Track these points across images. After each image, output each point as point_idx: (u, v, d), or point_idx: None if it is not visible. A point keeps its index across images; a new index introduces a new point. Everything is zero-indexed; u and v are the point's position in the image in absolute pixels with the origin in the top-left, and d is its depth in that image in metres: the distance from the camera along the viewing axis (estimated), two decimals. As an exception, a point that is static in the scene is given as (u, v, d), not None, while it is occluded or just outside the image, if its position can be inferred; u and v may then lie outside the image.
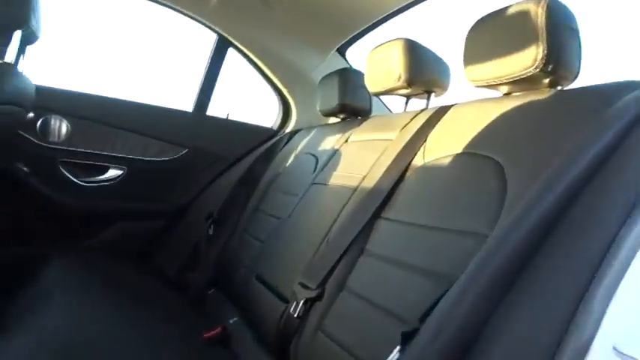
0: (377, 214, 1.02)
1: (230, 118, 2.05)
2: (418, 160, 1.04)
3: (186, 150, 1.92)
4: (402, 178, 1.04)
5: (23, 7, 1.10)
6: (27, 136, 1.62)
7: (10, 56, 1.16)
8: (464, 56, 1.02)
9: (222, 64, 1.95)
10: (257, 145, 2.04)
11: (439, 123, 1.09)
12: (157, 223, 1.91)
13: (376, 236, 0.99)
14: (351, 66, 2.06)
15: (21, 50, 1.35)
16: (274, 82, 2.04)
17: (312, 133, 1.74)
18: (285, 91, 2.06)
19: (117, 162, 1.80)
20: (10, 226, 1.68)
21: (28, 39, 1.24)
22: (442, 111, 1.12)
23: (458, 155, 0.94)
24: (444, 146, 1.00)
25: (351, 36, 1.95)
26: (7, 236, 1.67)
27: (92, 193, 1.77)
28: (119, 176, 1.81)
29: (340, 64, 2.00)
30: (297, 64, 2.01)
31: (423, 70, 1.28)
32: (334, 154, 1.43)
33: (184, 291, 1.62)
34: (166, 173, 1.90)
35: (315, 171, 1.46)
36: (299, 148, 1.73)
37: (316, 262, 1.07)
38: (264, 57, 1.97)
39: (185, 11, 1.79)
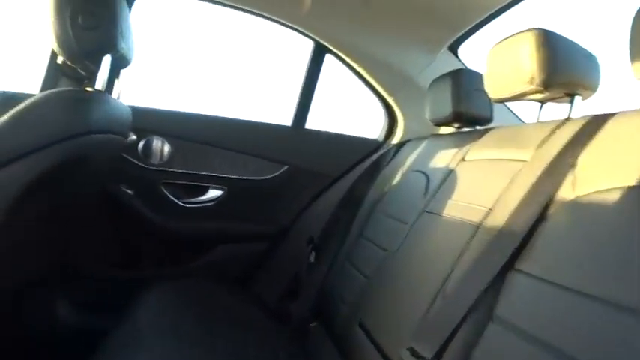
0: (509, 264, 0.77)
1: (331, 130, 1.90)
2: (566, 193, 0.77)
3: (286, 167, 1.81)
4: (542, 216, 0.78)
5: (110, 31, 1.04)
6: (130, 158, 1.62)
7: (100, 82, 1.11)
8: (630, 46, 0.74)
9: (319, 72, 1.80)
10: (361, 160, 1.87)
11: (594, 140, 0.80)
12: (257, 246, 1.81)
13: (509, 296, 0.75)
14: (466, 66, 1.79)
15: (114, 74, 1.33)
16: (377, 88, 1.84)
17: (421, 146, 1.51)
18: (389, 99, 1.85)
19: (216, 182, 1.74)
20: (117, 249, 1.70)
21: (121, 62, 1.19)
22: (597, 122, 0.83)
23: (630, 189, 0.67)
24: (603, 174, 0.73)
25: (465, 31, 1.69)
26: (114, 259, 1.69)
27: (193, 214, 1.72)
28: (219, 197, 1.75)
29: (453, 65, 1.74)
30: (402, 67, 1.79)
31: (563, 68, 0.99)
32: (449, 174, 1.19)
33: (285, 322, 1.51)
34: (266, 192, 1.80)
35: (426, 193, 1.24)
36: (407, 163, 1.51)
37: (431, 320, 0.86)
38: (364, 62, 1.78)
39: (277, 19, 1.67)
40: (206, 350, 1.04)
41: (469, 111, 1.37)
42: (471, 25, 1.65)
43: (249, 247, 1.81)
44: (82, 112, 0.98)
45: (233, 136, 1.76)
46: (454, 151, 1.26)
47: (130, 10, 1.56)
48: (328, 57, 1.80)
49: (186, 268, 1.74)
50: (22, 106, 0.89)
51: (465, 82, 1.37)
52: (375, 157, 1.81)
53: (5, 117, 0.88)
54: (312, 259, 1.63)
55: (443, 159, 1.29)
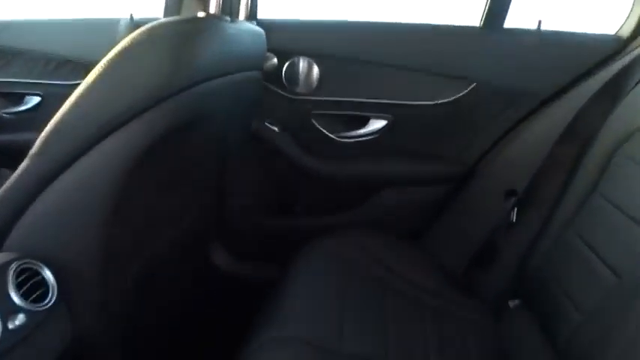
0: None
1: (543, 28, 1.30)
2: None
3: (474, 85, 1.31)
4: None
5: None
6: (272, 87, 1.34)
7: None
8: None
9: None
10: (590, 70, 1.25)
11: None
12: (432, 192, 1.41)
13: None
14: None
15: None
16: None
17: None
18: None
19: (379, 109, 1.37)
20: (268, 195, 1.49)
21: None
22: None
23: None
24: None
25: None
26: (267, 206, 1.50)
27: (350, 151, 1.40)
28: (382, 128, 1.37)
29: None
30: None
31: None
32: None
33: (473, 295, 1.17)
34: (445, 121, 1.36)
35: None
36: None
37: None
38: None
39: None
40: (377, 330, 0.93)
41: None
42: None
43: (423, 193, 1.42)
44: (184, 58, 0.74)
45: (398, 47, 1.34)
46: None
47: None
48: None
49: (346, 216, 1.46)
50: (110, 56, 0.68)
51: None
52: (615, 65, 1.18)
53: (92, 75, 0.68)
54: (512, 218, 1.20)
55: None
